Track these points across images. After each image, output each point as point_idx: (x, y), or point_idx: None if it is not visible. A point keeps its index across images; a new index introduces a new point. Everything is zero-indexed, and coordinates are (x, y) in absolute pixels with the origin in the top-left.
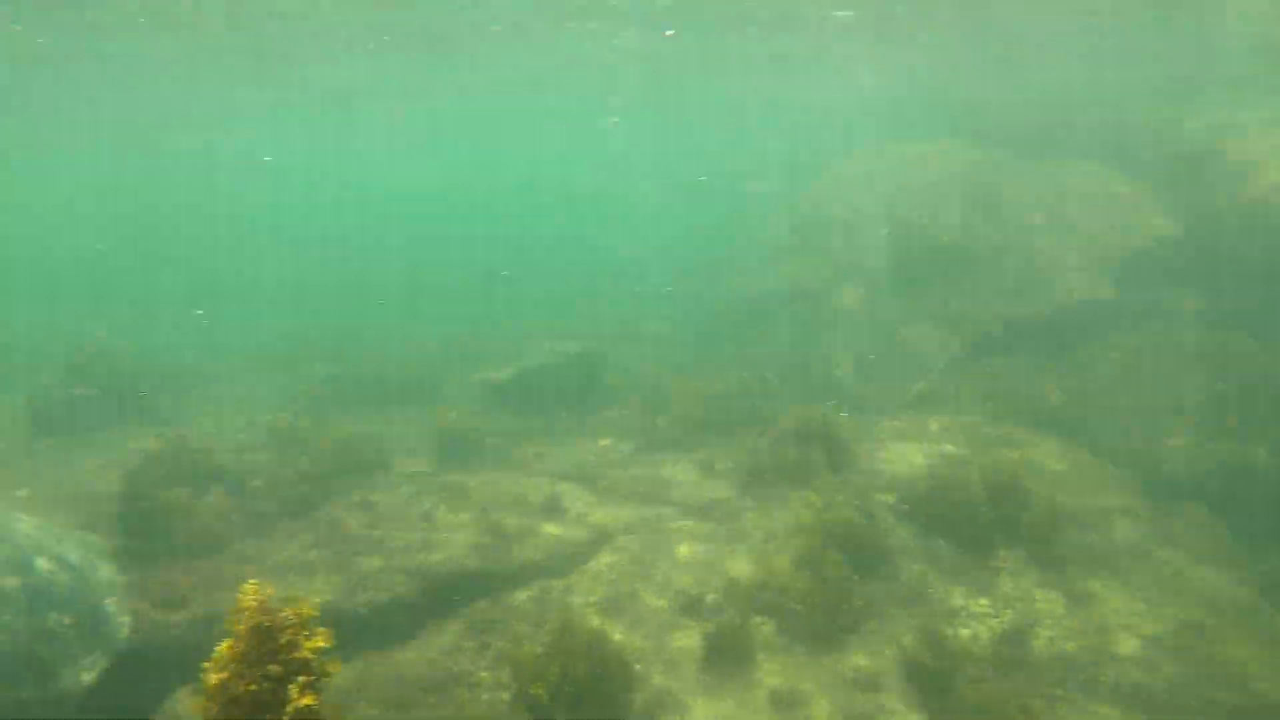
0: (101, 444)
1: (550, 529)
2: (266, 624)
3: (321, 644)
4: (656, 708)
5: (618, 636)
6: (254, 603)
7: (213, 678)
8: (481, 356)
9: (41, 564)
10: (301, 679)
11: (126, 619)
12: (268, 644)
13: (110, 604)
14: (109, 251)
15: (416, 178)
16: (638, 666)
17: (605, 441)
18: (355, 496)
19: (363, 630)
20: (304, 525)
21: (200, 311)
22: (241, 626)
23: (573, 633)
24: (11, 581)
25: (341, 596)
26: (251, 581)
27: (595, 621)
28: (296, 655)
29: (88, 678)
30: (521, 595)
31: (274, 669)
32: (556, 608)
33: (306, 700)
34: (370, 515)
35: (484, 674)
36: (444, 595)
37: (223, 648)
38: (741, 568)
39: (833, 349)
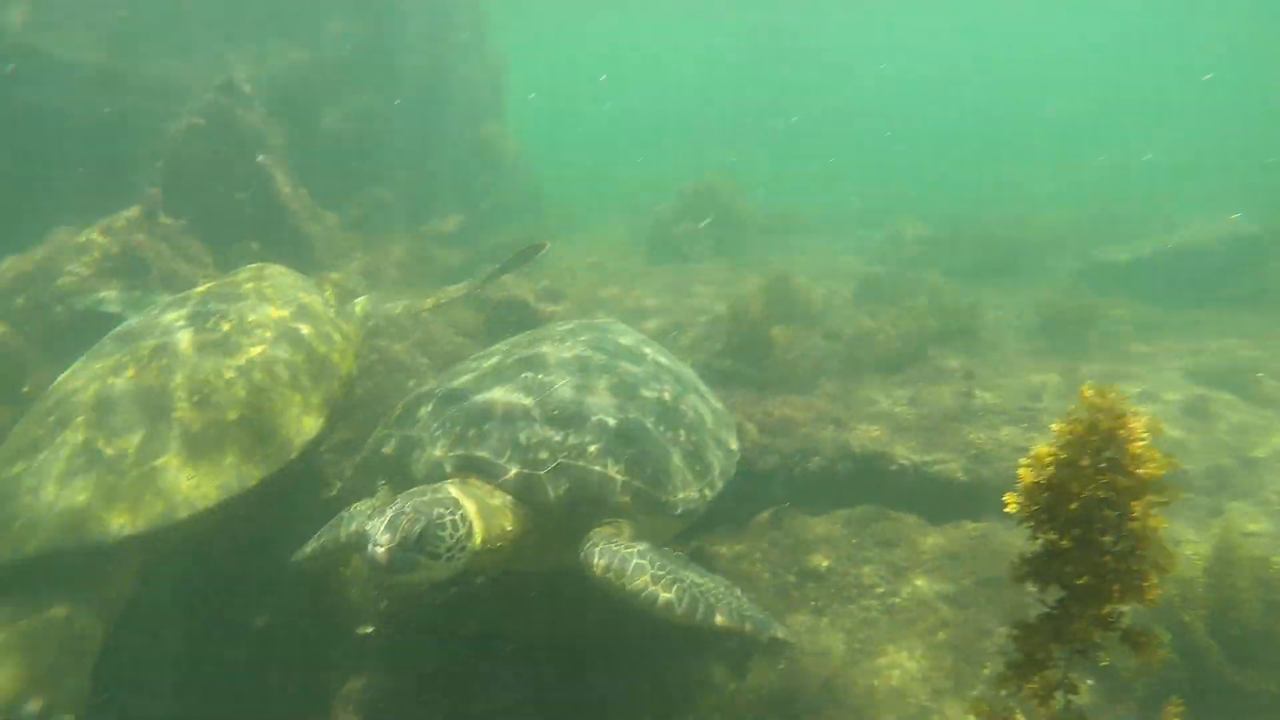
0: (704, 273)
1: (1187, 435)
2: (1115, 429)
3: (1177, 463)
4: None
5: None
6: (1103, 401)
7: (1029, 476)
8: (1103, 232)
9: (668, 383)
10: (1148, 498)
11: (736, 444)
12: (1110, 450)
13: (724, 428)
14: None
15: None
16: None
17: (1258, 346)
18: (951, 362)
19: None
20: (896, 381)
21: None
22: (1083, 428)
23: (1235, 562)
24: (652, 394)
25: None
26: (1091, 382)
27: (1269, 556)
28: (1142, 471)
29: (710, 494)
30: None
31: (1121, 481)
32: (1213, 529)
33: (1154, 523)
34: (967, 383)
35: None
36: None
37: (1049, 446)
38: None
39: None
